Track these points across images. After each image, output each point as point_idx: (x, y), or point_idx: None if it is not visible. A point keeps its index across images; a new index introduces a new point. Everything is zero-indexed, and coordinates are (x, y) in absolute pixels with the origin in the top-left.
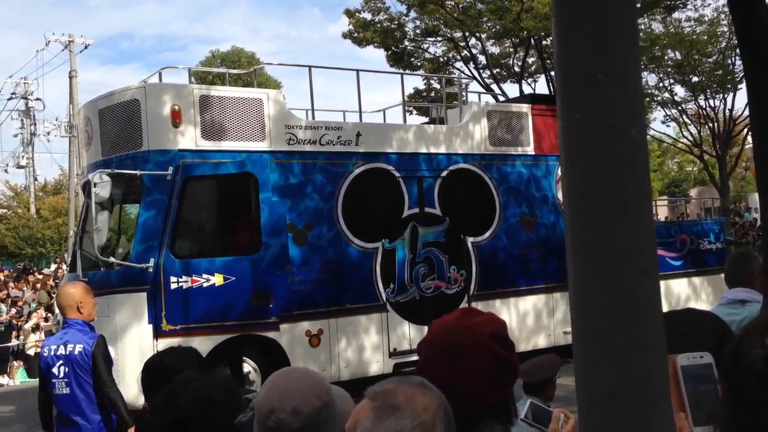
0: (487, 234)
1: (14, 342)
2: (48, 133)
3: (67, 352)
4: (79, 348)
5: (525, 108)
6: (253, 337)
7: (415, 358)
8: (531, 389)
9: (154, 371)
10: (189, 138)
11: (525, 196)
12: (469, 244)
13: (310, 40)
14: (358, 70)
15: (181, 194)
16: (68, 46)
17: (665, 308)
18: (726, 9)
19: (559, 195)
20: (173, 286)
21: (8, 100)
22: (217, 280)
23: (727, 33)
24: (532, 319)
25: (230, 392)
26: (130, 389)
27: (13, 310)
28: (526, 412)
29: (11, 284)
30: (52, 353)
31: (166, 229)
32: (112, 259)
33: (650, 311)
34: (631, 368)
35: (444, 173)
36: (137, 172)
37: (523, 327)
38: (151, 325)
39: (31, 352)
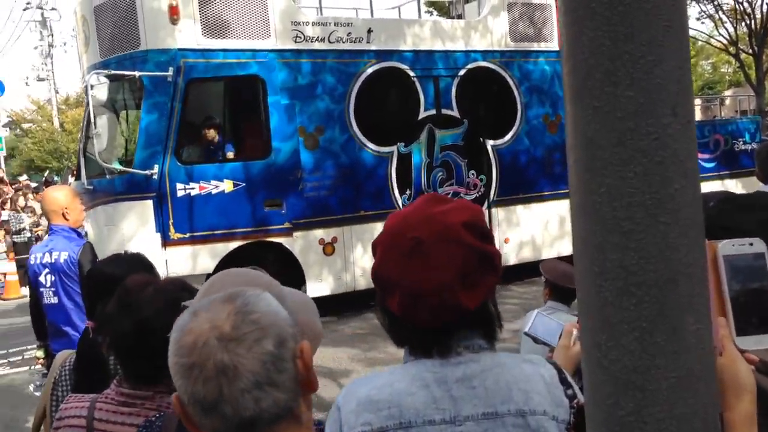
0: (508, 136)
1: None
2: (65, 44)
3: (53, 260)
4: (64, 256)
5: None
6: (264, 246)
7: None
8: (559, 294)
9: (95, 282)
10: (189, 36)
11: (549, 96)
12: (489, 148)
13: None
14: None
15: (184, 97)
16: None
17: None
18: None
19: None
20: (180, 193)
21: (24, 10)
22: (227, 186)
23: None
24: (555, 225)
25: (191, 292)
26: None
27: (30, 220)
28: (532, 326)
29: (30, 195)
30: (39, 261)
31: (170, 133)
32: (115, 166)
33: None
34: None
35: (462, 72)
36: (136, 73)
37: (546, 234)
38: (158, 234)
39: None
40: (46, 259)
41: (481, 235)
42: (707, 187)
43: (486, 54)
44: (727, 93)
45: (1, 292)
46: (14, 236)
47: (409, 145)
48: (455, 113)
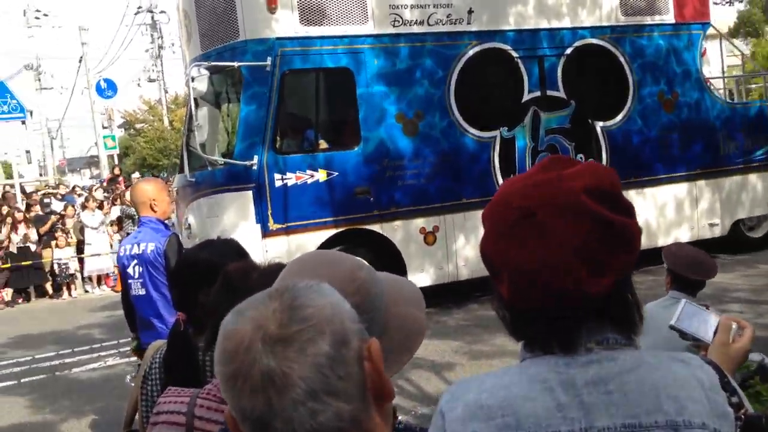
0: (620, 117)
1: None
2: (172, 44)
3: (140, 252)
4: (151, 247)
5: None
6: (363, 235)
7: None
8: (682, 284)
9: (189, 269)
10: (287, 24)
11: (664, 72)
12: (599, 130)
13: None
14: None
15: (280, 87)
16: None
17: None
18: None
19: (705, 68)
20: (278, 183)
21: (135, 14)
22: (321, 175)
23: None
24: (672, 210)
25: None
26: None
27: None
28: (680, 317)
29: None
30: (127, 253)
31: (268, 124)
32: (215, 158)
33: None
34: None
35: (568, 50)
36: (235, 64)
37: (661, 219)
38: (258, 225)
39: None
40: (135, 250)
41: (611, 203)
42: None
43: (594, 30)
44: None
45: (114, 284)
46: (129, 227)
47: (512, 129)
48: (561, 94)
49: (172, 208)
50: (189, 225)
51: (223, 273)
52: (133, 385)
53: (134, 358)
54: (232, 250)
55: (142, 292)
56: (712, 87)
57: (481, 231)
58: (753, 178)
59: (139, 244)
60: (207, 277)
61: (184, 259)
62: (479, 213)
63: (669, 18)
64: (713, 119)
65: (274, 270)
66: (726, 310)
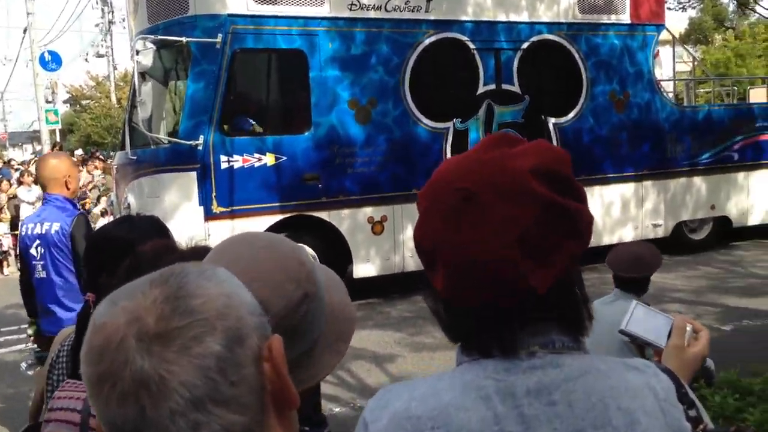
0: (572, 114)
1: None
2: (123, 20)
3: (44, 231)
4: (56, 227)
5: None
6: (309, 223)
7: None
8: (625, 287)
9: (100, 246)
10: (240, 1)
11: (617, 72)
12: (551, 126)
13: None
14: None
15: (230, 65)
16: None
17: None
18: None
19: (656, 70)
20: (224, 165)
21: None
22: (269, 159)
23: None
24: (618, 209)
25: None
26: None
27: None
28: (630, 320)
29: (81, 168)
30: (29, 232)
31: (215, 103)
32: (159, 135)
33: None
34: None
35: (525, 45)
36: (183, 39)
37: (607, 218)
38: (201, 207)
39: None
40: (37, 230)
41: (560, 186)
42: None
43: (552, 26)
44: None
45: None
46: None
47: (466, 121)
48: (516, 89)
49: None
50: (128, 205)
51: (133, 253)
52: (30, 373)
53: (30, 345)
54: (152, 227)
55: (43, 274)
56: (662, 89)
57: None
58: (698, 180)
59: (42, 224)
60: (120, 257)
61: (96, 236)
62: None
63: (625, 18)
64: (662, 121)
65: (197, 253)
66: (665, 310)
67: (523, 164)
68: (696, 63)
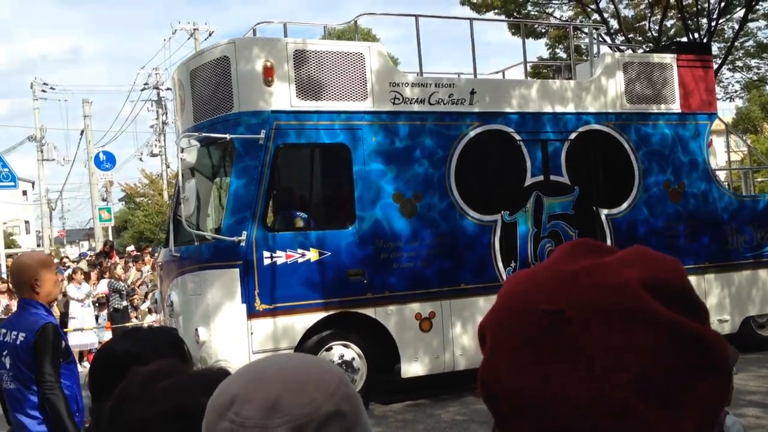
0: (625, 205)
1: (134, 322)
2: (176, 120)
3: (11, 340)
4: (21, 336)
5: (669, 58)
6: (355, 320)
7: None
8: None
9: (101, 364)
10: (283, 97)
11: (670, 162)
12: (603, 217)
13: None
14: (471, 19)
15: (273, 161)
16: (193, 35)
17: None
18: None
19: (711, 160)
20: (266, 261)
21: (141, 90)
22: (312, 255)
23: None
24: None
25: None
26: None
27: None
28: None
29: (131, 264)
30: (1, 338)
31: (258, 199)
32: (202, 232)
33: None
34: None
35: (572, 135)
36: (227, 136)
37: None
38: (244, 305)
39: None
40: (8, 338)
41: (679, 304)
42: None
43: (599, 116)
44: None
45: None
46: (115, 303)
47: (514, 213)
48: (565, 180)
49: (58, 290)
50: (171, 303)
51: (128, 374)
52: None
53: None
54: (162, 341)
55: (12, 386)
56: (718, 179)
57: (481, 317)
58: (763, 274)
59: (10, 331)
60: (121, 376)
61: (101, 351)
62: (479, 299)
63: (675, 107)
64: (721, 211)
65: (203, 378)
66: (740, 415)
67: (630, 277)
68: (750, 151)
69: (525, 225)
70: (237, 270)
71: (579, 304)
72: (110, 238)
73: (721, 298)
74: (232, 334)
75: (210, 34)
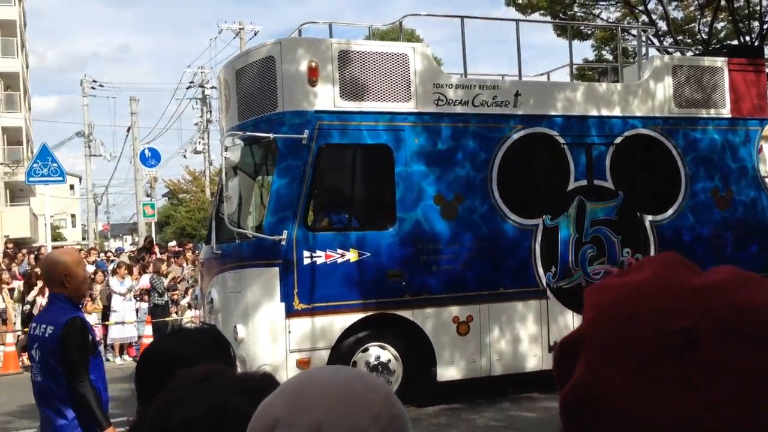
0: (670, 212)
1: (174, 317)
2: (220, 119)
3: (40, 333)
4: (50, 330)
5: (720, 62)
6: (392, 321)
7: None
8: None
9: (150, 364)
10: (326, 98)
11: (718, 168)
12: (648, 224)
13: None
14: (517, 20)
15: (316, 161)
16: (238, 34)
17: None
18: None
19: (761, 166)
20: (306, 261)
21: (187, 89)
22: (352, 255)
23: None
24: None
25: (255, 399)
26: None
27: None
28: None
29: (172, 260)
30: (32, 332)
31: (300, 198)
32: (243, 230)
33: None
34: None
35: (618, 140)
36: (270, 135)
37: None
38: (283, 304)
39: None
40: (38, 331)
41: None
42: None
43: (646, 120)
44: None
45: (137, 354)
46: (155, 299)
47: (556, 217)
48: (609, 185)
49: (86, 285)
50: (211, 299)
51: (174, 377)
52: None
53: None
54: (209, 342)
55: (39, 378)
56: None
57: (518, 323)
58: None
59: (40, 325)
60: (167, 375)
61: (148, 351)
62: (518, 304)
63: (725, 112)
64: None
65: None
66: None
67: (756, 300)
68: None
69: (567, 230)
70: (277, 269)
71: (708, 321)
72: (152, 234)
73: None
74: (270, 332)
75: (255, 34)
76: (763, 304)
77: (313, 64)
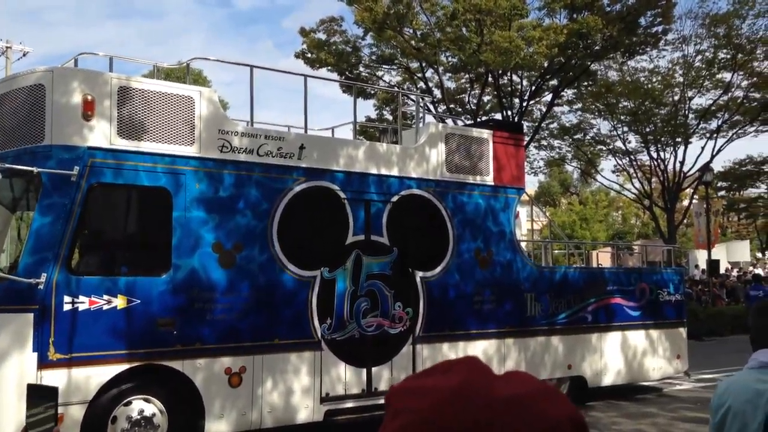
0: (438, 269)
1: None
2: None
3: None
4: None
5: (486, 134)
6: (161, 373)
7: (350, 404)
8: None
9: None
10: (102, 134)
11: (481, 230)
12: (418, 280)
13: (263, 73)
14: (306, 75)
15: (85, 200)
16: (5, 53)
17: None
18: (681, 61)
19: (517, 231)
20: (66, 307)
21: None
22: (120, 302)
23: (682, 85)
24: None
25: None
26: (6, 428)
27: None
28: None
29: None
30: None
31: (64, 239)
32: None
33: None
34: None
35: (395, 198)
36: (34, 169)
37: None
38: (36, 354)
39: None
40: None
41: None
42: (632, 335)
43: (421, 182)
44: (636, 244)
45: None
46: None
47: (333, 270)
48: (385, 240)
49: None
50: None
51: None
52: None
53: None
54: None
55: None
56: (522, 249)
57: (292, 375)
58: (555, 340)
59: None
60: None
61: None
62: (292, 355)
63: (489, 179)
64: (523, 280)
65: None
66: None
67: (560, 414)
68: (550, 225)
69: (344, 283)
70: (31, 315)
71: None
72: None
73: (517, 362)
74: (19, 386)
75: (24, 55)
76: (566, 416)
77: (89, 98)
